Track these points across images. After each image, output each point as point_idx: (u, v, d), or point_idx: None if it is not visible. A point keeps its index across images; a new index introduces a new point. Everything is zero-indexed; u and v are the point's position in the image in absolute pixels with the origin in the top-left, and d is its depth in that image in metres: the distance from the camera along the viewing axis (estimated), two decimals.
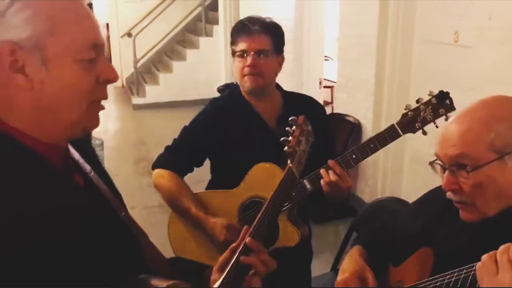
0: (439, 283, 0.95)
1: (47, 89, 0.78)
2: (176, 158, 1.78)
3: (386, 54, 3.48)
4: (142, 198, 4.37)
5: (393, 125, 1.45)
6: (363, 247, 1.32)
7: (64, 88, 0.79)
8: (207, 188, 1.89)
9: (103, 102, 0.88)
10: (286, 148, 1.22)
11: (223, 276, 0.99)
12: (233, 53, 1.73)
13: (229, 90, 1.88)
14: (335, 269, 2.21)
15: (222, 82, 7.21)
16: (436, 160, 1.06)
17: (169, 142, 1.84)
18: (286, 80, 5.12)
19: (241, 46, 1.67)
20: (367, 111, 3.71)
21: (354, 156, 1.49)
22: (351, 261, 1.26)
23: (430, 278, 1.01)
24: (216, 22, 7.81)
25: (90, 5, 0.80)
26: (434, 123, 1.42)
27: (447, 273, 0.95)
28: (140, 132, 6.77)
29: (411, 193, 3.68)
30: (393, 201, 2.13)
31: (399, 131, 1.44)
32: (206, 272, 1.09)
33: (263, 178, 1.60)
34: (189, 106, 7.71)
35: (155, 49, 8.34)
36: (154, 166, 1.79)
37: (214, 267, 1.06)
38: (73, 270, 0.77)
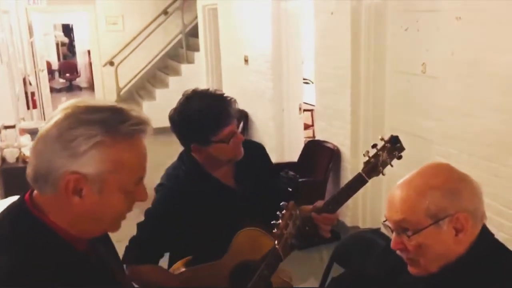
0: None
1: (94, 208, 0.96)
2: (147, 250, 1.69)
3: (360, 85, 3.65)
4: (128, 230, 4.41)
5: (360, 173, 1.60)
6: None
7: (107, 209, 0.97)
8: (169, 262, 1.83)
9: None
10: (275, 230, 1.36)
11: None
12: (208, 142, 1.66)
13: (179, 165, 1.79)
14: None
15: None
16: (386, 221, 1.18)
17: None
18: (267, 107, 5.27)
19: (227, 131, 1.66)
20: (345, 139, 3.86)
21: (330, 207, 1.62)
22: None
23: None
24: (197, 49, 7.96)
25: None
26: (391, 165, 1.58)
27: None
28: None
29: None
30: (371, 233, 2.25)
31: (366, 178, 1.58)
32: None
33: (248, 243, 1.67)
34: (172, 132, 7.82)
35: (137, 76, 8.45)
36: (126, 262, 1.63)
37: None
38: None
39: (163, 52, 8.54)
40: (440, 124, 2.86)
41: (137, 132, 0.96)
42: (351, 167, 3.82)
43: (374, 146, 1.58)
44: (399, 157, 1.55)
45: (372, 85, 3.61)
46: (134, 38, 8.29)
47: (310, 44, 5.75)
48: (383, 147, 1.56)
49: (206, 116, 1.64)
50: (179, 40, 8.43)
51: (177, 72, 8.13)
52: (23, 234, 0.94)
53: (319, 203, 1.64)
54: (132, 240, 1.71)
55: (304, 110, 5.49)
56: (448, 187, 1.10)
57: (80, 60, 13.90)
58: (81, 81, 13.67)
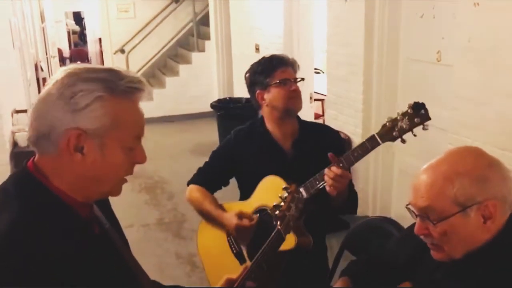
0: None
1: (96, 166, 0.97)
2: (205, 177, 2.09)
3: (372, 73, 3.60)
4: (139, 215, 4.44)
5: (373, 135, 1.62)
6: (349, 278, 1.41)
7: (109, 167, 0.99)
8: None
9: None
10: (277, 212, 1.39)
11: None
12: (266, 85, 1.95)
13: (250, 122, 2.13)
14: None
15: (215, 97, 7.31)
16: (409, 205, 1.14)
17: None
18: None
19: (282, 75, 1.93)
20: (356, 127, 3.82)
21: (341, 164, 1.67)
22: None
23: None
24: (208, 37, 7.93)
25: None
26: (412, 132, 1.55)
27: None
28: None
29: (400, 205, 3.78)
30: (382, 220, 2.22)
31: (378, 140, 1.60)
32: None
33: (269, 189, 1.85)
34: (183, 120, 7.81)
35: (148, 64, 8.44)
36: (189, 183, 2.12)
37: None
38: None
39: (173, 40, 8.52)
40: (454, 113, 2.81)
41: (134, 90, 0.99)
42: None
43: (398, 113, 1.58)
44: (425, 128, 1.51)
45: (385, 73, 3.56)
46: (145, 26, 8.27)
47: (321, 33, 5.72)
48: (405, 113, 1.55)
49: (264, 61, 1.98)
50: (190, 28, 8.39)
51: (187, 61, 8.11)
52: (27, 196, 0.95)
53: (331, 155, 1.70)
54: (198, 170, 2.14)
55: (315, 100, 5.46)
56: (477, 173, 1.05)
57: (91, 48, 13.93)
58: None
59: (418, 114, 1.51)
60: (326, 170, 1.68)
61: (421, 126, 1.53)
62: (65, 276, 0.90)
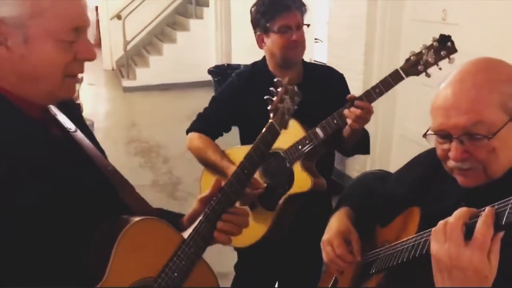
0: (417, 242, 0.97)
1: (26, 62, 0.89)
2: (205, 123, 1.96)
3: (375, 34, 3.52)
4: (134, 178, 4.31)
5: (397, 69, 1.54)
6: (350, 208, 1.35)
7: (42, 63, 0.90)
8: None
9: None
10: (269, 106, 1.27)
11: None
12: (267, 30, 1.82)
13: (252, 63, 2.03)
14: None
15: (213, 64, 7.20)
16: (428, 131, 1.02)
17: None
18: None
19: (284, 22, 1.78)
20: (357, 91, 3.72)
21: (361, 102, 1.62)
22: (337, 221, 1.28)
23: (410, 237, 1.01)
24: (206, 4, 7.77)
25: None
26: (437, 65, 1.49)
27: (422, 233, 0.96)
28: (130, 114, 6.77)
29: None
30: (381, 172, 2.17)
31: (402, 74, 1.53)
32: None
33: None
34: (180, 88, 7.71)
35: (145, 31, 8.29)
36: (188, 131, 1.99)
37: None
38: (42, 209, 0.89)
39: (171, 7, 8.35)
40: None
41: None
42: None
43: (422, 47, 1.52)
44: (450, 61, 1.46)
45: (388, 34, 3.47)
46: None
47: (323, 2, 5.59)
48: (430, 46, 1.49)
49: (268, 1, 1.82)
50: None
51: (185, 28, 7.97)
52: None
53: (350, 97, 1.65)
54: (197, 115, 2.01)
55: None
56: None
57: None
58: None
59: (444, 46, 1.46)
60: (346, 111, 1.62)
61: (446, 60, 1.48)
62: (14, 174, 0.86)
